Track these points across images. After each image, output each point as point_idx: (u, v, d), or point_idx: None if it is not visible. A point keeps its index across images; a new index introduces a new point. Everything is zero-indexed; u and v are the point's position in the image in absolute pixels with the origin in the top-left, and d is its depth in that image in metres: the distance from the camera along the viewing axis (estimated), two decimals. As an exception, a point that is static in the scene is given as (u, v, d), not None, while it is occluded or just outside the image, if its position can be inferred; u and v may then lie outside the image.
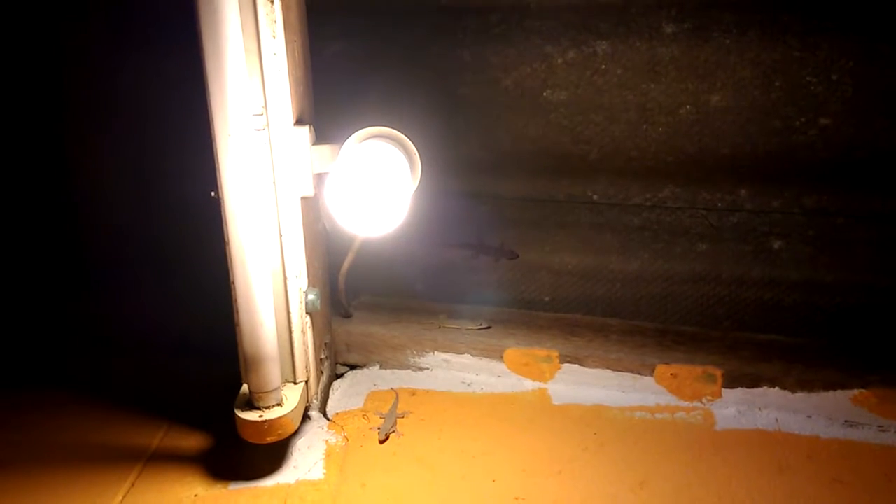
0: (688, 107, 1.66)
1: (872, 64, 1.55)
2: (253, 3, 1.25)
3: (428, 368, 1.78)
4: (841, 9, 1.53)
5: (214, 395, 1.53)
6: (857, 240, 1.67)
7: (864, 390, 1.57)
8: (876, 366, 1.62)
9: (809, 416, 1.60)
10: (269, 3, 1.26)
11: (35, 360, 1.83)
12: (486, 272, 1.89)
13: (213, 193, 1.34)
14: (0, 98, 1.91)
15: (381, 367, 1.80)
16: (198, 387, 1.67)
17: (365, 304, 1.90)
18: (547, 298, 1.89)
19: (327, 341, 1.69)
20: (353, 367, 1.80)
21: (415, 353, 1.78)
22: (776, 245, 1.72)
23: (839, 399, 1.59)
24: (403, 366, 1.79)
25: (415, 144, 1.37)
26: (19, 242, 2.02)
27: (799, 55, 1.58)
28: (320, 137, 1.41)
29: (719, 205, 1.72)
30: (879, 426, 1.56)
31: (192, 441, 1.54)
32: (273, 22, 1.28)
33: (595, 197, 1.78)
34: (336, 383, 1.74)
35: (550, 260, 1.86)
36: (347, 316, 1.83)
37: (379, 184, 1.35)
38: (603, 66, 1.67)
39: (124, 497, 1.39)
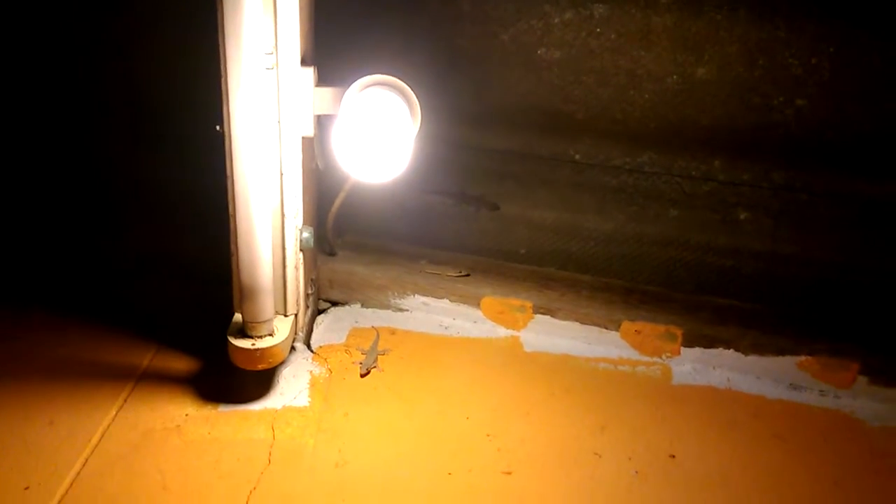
0: (675, 77, 1.71)
1: (850, 50, 1.61)
2: (270, -60, 1.27)
3: (408, 310, 1.85)
4: (827, -6, 1.58)
5: (204, 321, 1.58)
6: (818, 217, 1.75)
7: (809, 357, 1.69)
8: (822, 335, 1.73)
9: (758, 377, 1.72)
10: (285, -60, 1.28)
11: (47, 284, 1.85)
12: (466, 221, 1.94)
13: (217, 128, 1.37)
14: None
15: (362, 305, 1.86)
16: (187, 311, 1.72)
17: (349, 243, 1.93)
18: (523, 251, 1.95)
19: (313, 277, 1.74)
20: (334, 304, 1.86)
21: (396, 294, 1.85)
22: (742, 216, 1.80)
23: (786, 363, 1.70)
24: (384, 306, 1.85)
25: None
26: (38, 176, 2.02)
27: (784, 36, 1.62)
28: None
29: (693, 173, 1.78)
30: (820, 390, 1.69)
31: (182, 364, 1.60)
32: (288, -40, 1.29)
33: (577, 156, 1.83)
34: (319, 318, 1.80)
35: (529, 214, 1.91)
36: (332, 254, 1.87)
37: (382, 131, 1.39)
38: (598, 30, 1.71)
39: (118, 412, 1.45)
